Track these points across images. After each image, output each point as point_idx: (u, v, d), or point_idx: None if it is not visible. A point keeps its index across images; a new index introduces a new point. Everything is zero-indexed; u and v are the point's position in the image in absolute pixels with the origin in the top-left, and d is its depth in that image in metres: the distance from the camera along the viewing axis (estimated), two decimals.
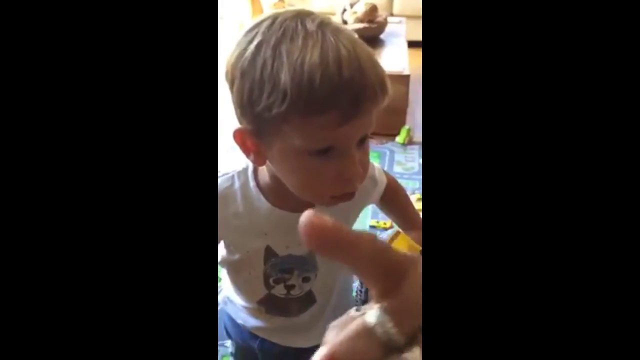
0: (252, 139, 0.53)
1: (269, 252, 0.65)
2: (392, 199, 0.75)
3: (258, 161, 0.56)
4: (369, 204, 0.75)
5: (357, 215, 0.72)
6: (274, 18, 0.50)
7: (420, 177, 1.82)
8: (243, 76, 0.50)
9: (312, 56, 0.45)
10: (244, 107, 0.51)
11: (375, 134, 2.23)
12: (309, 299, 0.72)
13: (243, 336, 0.79)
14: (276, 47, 0.47)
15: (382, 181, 0.74)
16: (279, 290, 0.69)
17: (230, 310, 0.81)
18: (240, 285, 0.73)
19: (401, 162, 2.05)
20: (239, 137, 0.54)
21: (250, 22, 0.52)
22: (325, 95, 0.45)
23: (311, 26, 0.48)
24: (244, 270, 0.69)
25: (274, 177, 0.59)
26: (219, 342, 1.01)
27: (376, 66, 0.49)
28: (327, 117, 0.46)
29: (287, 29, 0.48)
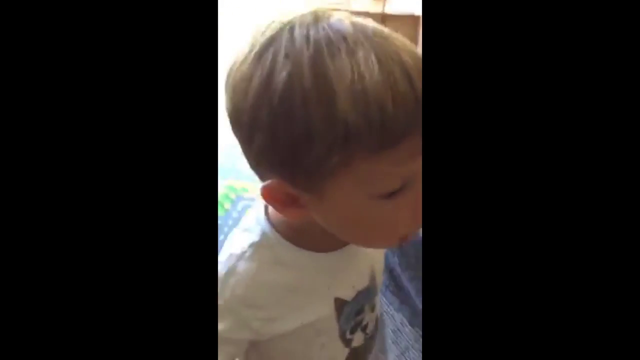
0: (291, 192, 0.42)
1: (340, 304, 0.55)
2: None
3: (295, 214, 0.45)
4: None
5: None
6: (290, 29, 0.38)
7: None
8: (274, 121, 0.37)
9: (373, 73, 0.35)
10: (284, 162, 0.39)
11: None
12: (377, 328, 0.64)
13: None
14: (314, 70, 0.36)
15: None
16: (358, 340, 0.59)
17: None
18: None
19: None
20: (270, 194, 0.43)
21: (254, 42, 0.39)
22: (402, 122, 0.35)
23: (348, 30, 0.37)
24: (314, 344, 0.56)
25: (301, 225, 0.48)
26: None
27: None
28: (401, 149, 0.37)
29: (318, 42, 0.37)
